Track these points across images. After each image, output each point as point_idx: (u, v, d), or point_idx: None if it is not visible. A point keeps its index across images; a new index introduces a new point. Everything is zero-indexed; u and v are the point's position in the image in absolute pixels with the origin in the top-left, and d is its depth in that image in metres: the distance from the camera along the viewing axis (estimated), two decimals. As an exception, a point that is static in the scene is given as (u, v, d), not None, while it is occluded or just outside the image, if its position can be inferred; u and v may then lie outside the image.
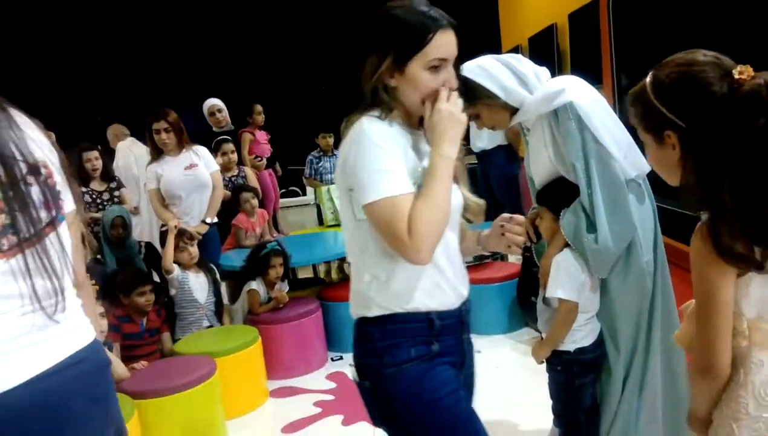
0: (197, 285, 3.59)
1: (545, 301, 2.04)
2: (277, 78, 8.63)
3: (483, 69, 1.97)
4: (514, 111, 1.99)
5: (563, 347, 1.99)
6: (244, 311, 3.72)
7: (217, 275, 3.72)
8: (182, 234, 3.61)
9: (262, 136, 5.29)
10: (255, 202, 4.42)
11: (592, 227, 1.87)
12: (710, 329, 1.14)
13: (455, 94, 1.32)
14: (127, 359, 2.99)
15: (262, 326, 3.47)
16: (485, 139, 4.63)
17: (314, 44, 8.37)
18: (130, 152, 5.23)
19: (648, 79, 1.18)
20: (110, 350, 2.81)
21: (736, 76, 1.07)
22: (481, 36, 6.91)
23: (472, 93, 1.97)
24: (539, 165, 2.06)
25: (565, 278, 1.92)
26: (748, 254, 1.06)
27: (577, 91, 1.91)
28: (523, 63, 2.00)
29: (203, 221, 3.90)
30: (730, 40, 2.16)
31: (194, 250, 3.60)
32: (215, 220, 3.98)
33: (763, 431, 1.15)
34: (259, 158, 5.14)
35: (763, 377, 1.15)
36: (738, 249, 1.06)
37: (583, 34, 4.24)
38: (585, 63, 4.03)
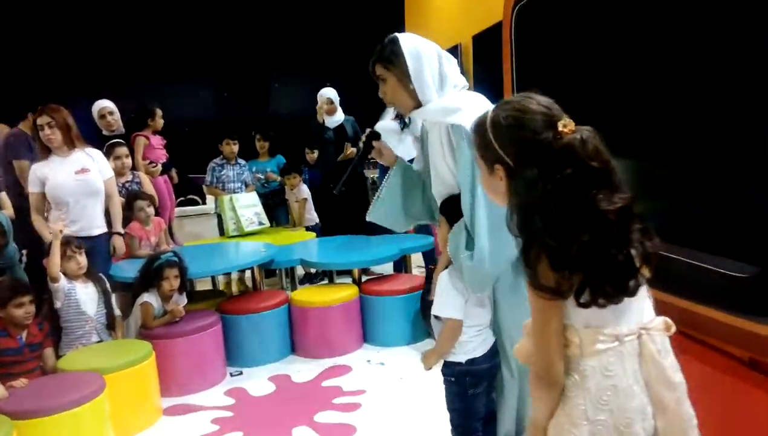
0: (85, 296, 3.35)
1: (437, 315, 2.06)
2: (176, 82, 8.31)
3: (416, 48, 1.96)
4: (417, 104, 2.00)
5: (455, 359, 2.02)
6: (137, 324, 3.51)
7: (107, 286, 3.49)
8: (69, 242, 3.36)
9: (157, 141, 5.05)
10: (150, 210, 4.21)
11: (472, 243, 1.88)
12: (546, 346, 1.27)
13: None
14: (3, 376, 2.72)
15: (156, 341, 3.29)
16: (400, 151, 4.66)
17: (215, 46, 8.14)
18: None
19: (489, 115, 1.30)
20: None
21: (559, 129, 1.20)
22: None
23: (392, 58, 1.97)
24: (441, 171, 2.06)
25: (447, 297, 1.97)
26: (551, 283, 1.19)
27: (473, 113, 1.95)
28: (452, 65, 2.02)
29: (116, 233, 3.73)
30: (631, 66, 2.31)
31: (82, 259, 3.37)
32: (121, 230, 3.80)
33: (602, 431, 1.25)
34: (154, 164, 4.91)
35: (597, 382, 1.25)
36: (543, 280, 1.20)
37: (485, 56, 4.40)
38: (487, 85, 4.19)
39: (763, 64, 1.57)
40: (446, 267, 2.01)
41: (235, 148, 5.30)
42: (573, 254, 1.17)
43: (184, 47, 8.02)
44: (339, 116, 5.38)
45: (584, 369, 1.27)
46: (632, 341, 1.27)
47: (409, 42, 1.97)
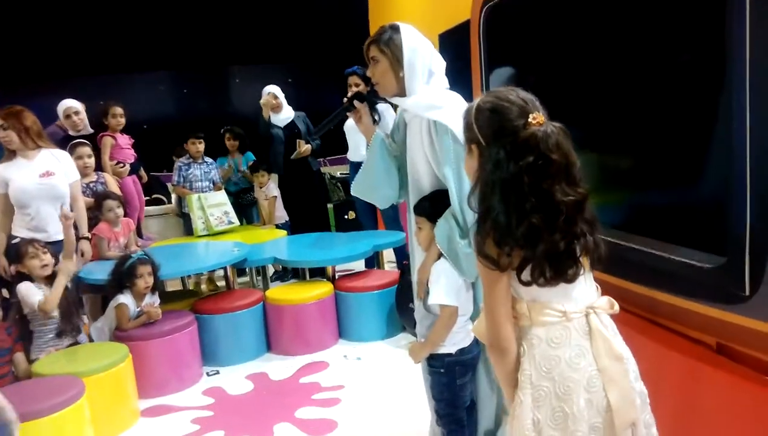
0: (52, 299, 3.30)
1: (426, 308, 2.12)
2: (134, 79, 8.16)
3: (415, 42, 2.07)
4: (401, 91, 2.10)
5: (445, 350, 2.08)
6: (111, 327, 3.48)
7: (71, 285, 3.43)
8: (32, 241, 3.31)
9: (124, 140, 4.98)
10: (120, 210, 4.15)
11: (463, 233, 1.98)
12: (493, 314, 1.39)
13: None
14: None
15: (132, 343, 3.27)
16: (363, 149, 4.70)
17: (173, 41, 8.00)
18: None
19: (476, 101, 1.44)
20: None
21: (529, 120, 1.32)
22: (351, 53, 7.06)
23: (389, 44, 2.07)
24: (417, 163, 2.14)
25: (445, 285, 2.02)
26: (495, 256, 1.33)
27: (455, 111, 2.01)
28: (440, 65, 2.15)
29: (83, 237, 3.66)
30: (598, 63, 2.41)
31: (47, 257, 3.29)
32: (87, 233, 3.73)
33: (543, 397, 1.39)
34: (122, 164, 4.84)
35: (542, 351, 1.39)
36: (487, 250, 1.33)
37: (453, 55, 4.47)
38: (455, 83, 4.26)
39: (722, 59, 1.67)
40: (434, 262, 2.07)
41: (201, 146, 5.25)
42: (520, 233, 1.30)
43: (142, 42, 7.87)
44: (287, 113, 5.18)
45: (532, 338, 1.40)
46: (579, 318, 1.40)
47: (409, 34, 2.08)
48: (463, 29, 4.01)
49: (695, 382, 1.86)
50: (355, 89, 4.43)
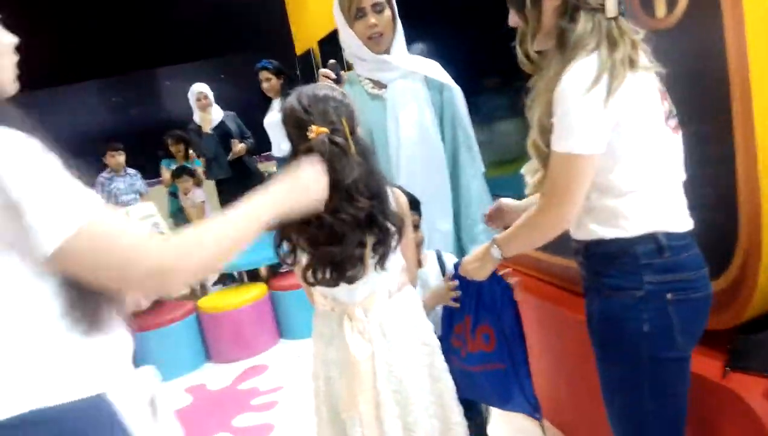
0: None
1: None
2: (63, 93, 7.85)
3: None
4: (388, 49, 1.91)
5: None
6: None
7: None
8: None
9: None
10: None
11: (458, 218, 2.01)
12: None
13: None
14: None
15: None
16: (286, 146, 4.57)
17: (99, 50, 7.71)
18: None
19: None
20: None
21: (308, 133, 1.37)
22: (274, 40, 6.90)
23: None
24: (411, 134, 1.90)
25: None
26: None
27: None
28: None
29: None
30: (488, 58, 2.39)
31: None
32: None
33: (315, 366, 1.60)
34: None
35: (315, 328, 1.61)
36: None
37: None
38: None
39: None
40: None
41: (121, 158, 5.03)
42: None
43: (62, 55, 7.57)
44: (217, 114, 4.91)
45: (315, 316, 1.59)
46: (340, 312, 1.49)
47: None
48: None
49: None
50: (266, 85, 4.30)
